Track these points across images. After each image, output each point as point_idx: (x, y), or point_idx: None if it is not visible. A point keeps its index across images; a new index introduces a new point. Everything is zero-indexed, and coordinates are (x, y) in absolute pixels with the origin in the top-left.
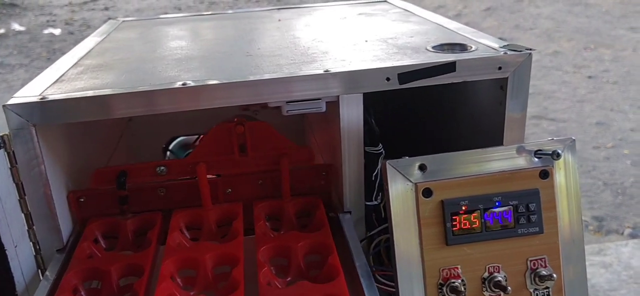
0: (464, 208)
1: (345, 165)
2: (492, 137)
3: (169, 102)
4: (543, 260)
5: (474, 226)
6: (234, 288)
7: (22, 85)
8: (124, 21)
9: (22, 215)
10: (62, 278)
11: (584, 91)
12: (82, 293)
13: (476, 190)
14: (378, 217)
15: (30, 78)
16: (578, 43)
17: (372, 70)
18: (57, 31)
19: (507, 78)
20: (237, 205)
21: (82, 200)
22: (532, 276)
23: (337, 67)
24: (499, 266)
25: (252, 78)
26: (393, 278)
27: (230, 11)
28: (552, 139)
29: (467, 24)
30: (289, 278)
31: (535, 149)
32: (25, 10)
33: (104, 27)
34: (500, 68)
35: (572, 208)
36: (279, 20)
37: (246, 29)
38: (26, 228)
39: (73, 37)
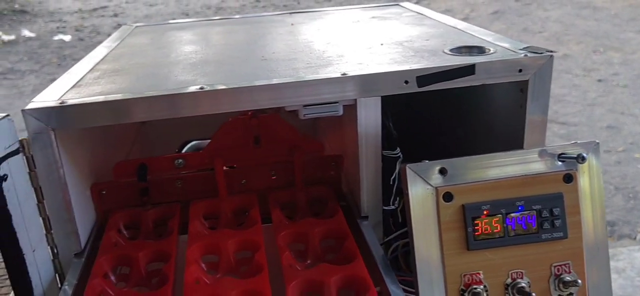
0: (485, 212)
1: (362, 169)
2: (511, 140)
3: (188, 106)
4: (567, 265)
5: (495, 231)
6: (258, 270)
7: (33, 91)
8: (136, 27)
9: (40, 219)
10: (94, 263)
11: (594, 94)
12: (112, 278)
13: (498, 194)
14: (395, 222)
15: (41, 84)
16: (587, 46)
17: (390, 73)
18: (67, 37)
19: (527, 81)
20: (251, 195)
21: (104, 192)
22: (556, 282)
23: (354, 70)
24: (522, 272)
25: (269, 82)
26: (412, 283)
27: (238, 16)
28: (576, 142)
29: None
30: (308, 262)
31: (559, 152)
32: (35, 16)
33: (117, 33)
34: (520, 70)
35: (596, 212)
36: (292, 24)
37: (259, 33)
38: (44, 232)
39: (83, 43)
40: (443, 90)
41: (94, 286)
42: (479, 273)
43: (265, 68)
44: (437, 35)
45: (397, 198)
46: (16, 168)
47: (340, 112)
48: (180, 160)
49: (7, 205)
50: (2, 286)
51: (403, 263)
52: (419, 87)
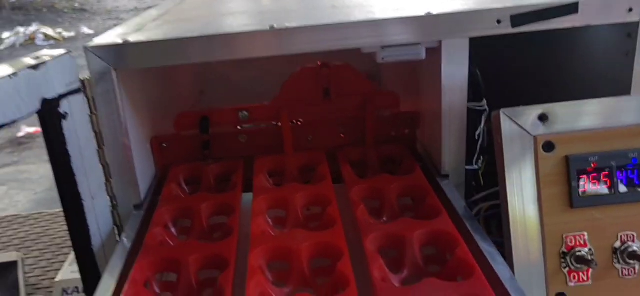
0: (592, 165)
1: (445, 123)
2: (617, 90)
3: (251, 47)
4: None
5: (604, 187)
6: (332, 224)
7: None
8: None
9: (100, 166)
10: (154, 213)
11: None
12: (173, 229)
13: (607, 145)
14: (477, 184)
15: None
16: None
17: (481, 12)
18: None
19: (638, 22)
20: (319, 153)
21: (164, 145)
22: None
23: (440, 8)
24: (633, 235)
25: (343, 20)
26: (504, 246)
27: None
28: None
29: None
30: (384, 219)
31: None
32: (94, 14)
33: None
34: (630, 10)
35: None
36: None
37: None
38: (104, 181)
39: None
40: (534, 32)
41: (154, 235)
42: (583, 234)
43: (338, 14)
44: None
45: (481, 158)
46: (77, 108)
47: (423, 55)
48: (244, 112)
49: (66, 145)
50: (64, 247)
51: (484, 227)
52: (513, 27)
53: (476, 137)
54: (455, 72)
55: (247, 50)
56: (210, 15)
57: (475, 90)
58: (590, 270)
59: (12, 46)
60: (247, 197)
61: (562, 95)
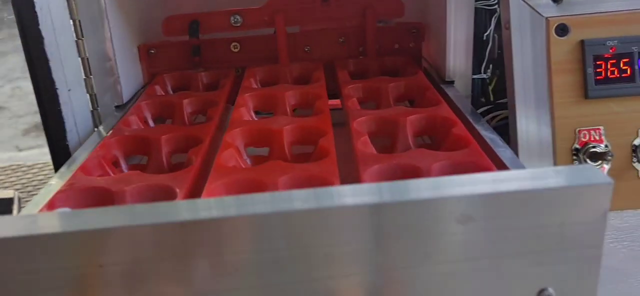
0: (611, 50)
1: (450, 21)
2: None
3: None
4: None
5: (624, 75)
6: (320, 113)
7: None
8: None
9: (79, 59)
10: (134, 105)
11: None
12: (151, 122)
13: (629, 29)
14: (485, 97)
15: None
16: None
17: None
18: None
19: None
20: (316, 63)
21: (152, 51)
22: None
23: None
24: None
25: None
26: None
27: None
28: None
29: None
30: None
31: None
32: None
33: None
34: None
35: None
36: None
37: None
38: (83, 77)
39: None
40: None
41: (128, 121)
42: (598, 129)
43: None
44: None
45: (490, 66)
46: None
47: None
48: (237, 16)
49: (38, 25)
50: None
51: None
52: None
53: (484, 38)
54: None
55: None
56: None
57: None
58: (606, 168)
59: None
60: None
61: None
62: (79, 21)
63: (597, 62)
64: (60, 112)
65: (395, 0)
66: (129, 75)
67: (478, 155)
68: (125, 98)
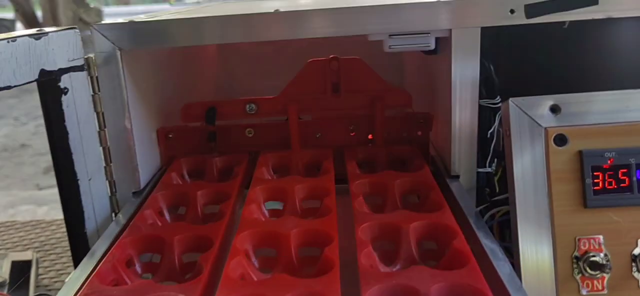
0: (609, 161)
1: (455, 119)
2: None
3: (263, 29)
4: None
5: (622, 185)
6: (326, 213)
7: None
8: None
9: (100, 148)
10: (151, 196)
11: None
12: (166, 215)
13: (626, 141)
14: (490, 189)
15: None
16: None
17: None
18: None
19: None
20: (326, 150)
21: (170, 136)
22: None
23: None
24: None
25: (349, 5)
26: (512, 249)
27: None
28: None
29: None
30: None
31: None
32: None
33: None
34: None
35: None
36: None
37: None
38: (103, 165)
39: None
40: (551, 23)
41: (144, 216)
42: (598, 238)
43: (349, 2)
44: None
45: (495, 160)
46: (78, 84)
47: (432, 45)
48: (252, 105)
49: (64, 121)
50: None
51: (498, 234)
52: (528, 17)
53: (488, 136)
54: (465, 65)
55: (258, 32)
56: (224, 10)
57: (488, 86)
58: (606, 278)
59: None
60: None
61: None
62: (103, 113)
63: (595, 173)
64: (80, 202)
65: (403, 92)
66: (147, 160)
67: (476, 277)
68: (143, 183)
